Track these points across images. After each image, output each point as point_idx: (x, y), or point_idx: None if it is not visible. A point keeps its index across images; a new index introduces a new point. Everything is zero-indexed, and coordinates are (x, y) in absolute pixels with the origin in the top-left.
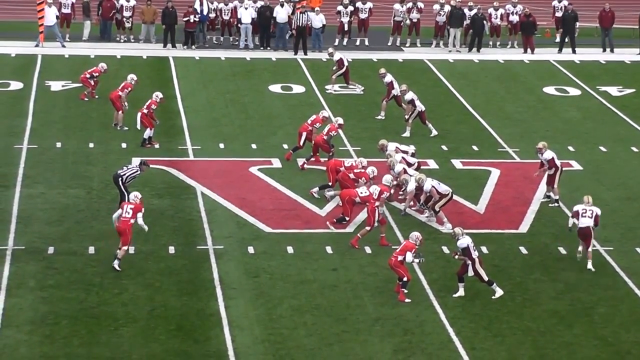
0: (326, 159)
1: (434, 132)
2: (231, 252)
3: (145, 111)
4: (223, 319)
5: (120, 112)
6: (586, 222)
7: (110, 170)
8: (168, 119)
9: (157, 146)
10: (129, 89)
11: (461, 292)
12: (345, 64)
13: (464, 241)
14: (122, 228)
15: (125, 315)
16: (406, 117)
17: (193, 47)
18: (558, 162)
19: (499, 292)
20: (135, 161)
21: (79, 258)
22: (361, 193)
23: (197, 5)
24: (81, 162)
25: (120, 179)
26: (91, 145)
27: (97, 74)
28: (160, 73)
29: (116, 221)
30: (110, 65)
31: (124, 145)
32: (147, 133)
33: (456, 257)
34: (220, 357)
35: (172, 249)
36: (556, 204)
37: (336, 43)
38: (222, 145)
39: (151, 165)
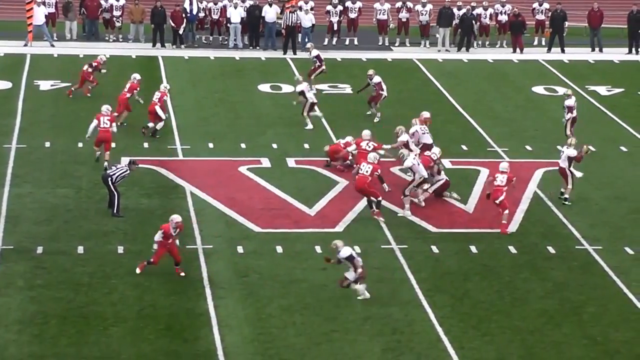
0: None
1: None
2: (220, 252)
3: (158, 103)
4: (212, 319)
5: (126, 112)
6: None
7: (99, 169)
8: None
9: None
10: (137, 89)
11: (366, 294)
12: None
13: (346, 251)
14: (106, 136)
15: (114, 314)
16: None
17: (182, 46)
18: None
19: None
20: (125, 160)
21: (68, 258)
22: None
23: (186, 5)
24: (70, 162)
25: (109, 179)
26: (80, 144)
27: (96, 65)
28: (150, 72)
29: (91, 132)
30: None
31: (113, 144)
32: (160, 125)
33: (332, 261)
34: (209, 356)
35: None
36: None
37: (325, 42)
38: (211, 145)
39: (140, 165)
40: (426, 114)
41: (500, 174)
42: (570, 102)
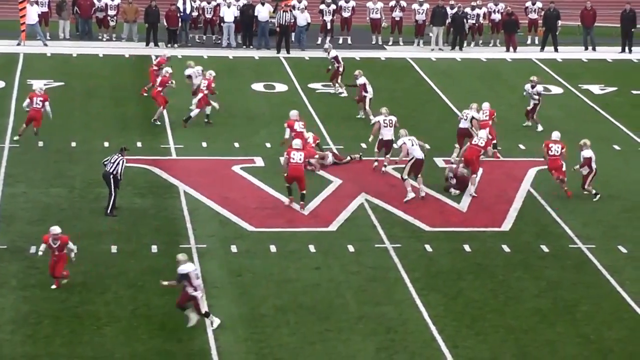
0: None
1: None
2: (214, 251)
3: (207, 92)
4: (206, 318)
5: (161, 107)
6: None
7: (93, 169)
8: (150, 117)
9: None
10: (168, 82)
11: (193, 321)
12: (341, 62)
13: (186, 267)
14: (37, 115)
15: (107, 314)
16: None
17: (176, 45)
18: (593, 165)
19: (217, 321)
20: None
21: None
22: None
23: (179, 4)
24: (63, 161)
25: (111, 176)
26: (73, 144)
27: (162, 64)
28: (144, 72)
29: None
30: (93, 64)
31: (106, 144)
32: (196, 113)
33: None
34: (203, 356)
35: (154, 248)
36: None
37: (319, 42)
38: (204, 144)
39: (134, 165)
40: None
41: (553, 143)
42: (540, 89)
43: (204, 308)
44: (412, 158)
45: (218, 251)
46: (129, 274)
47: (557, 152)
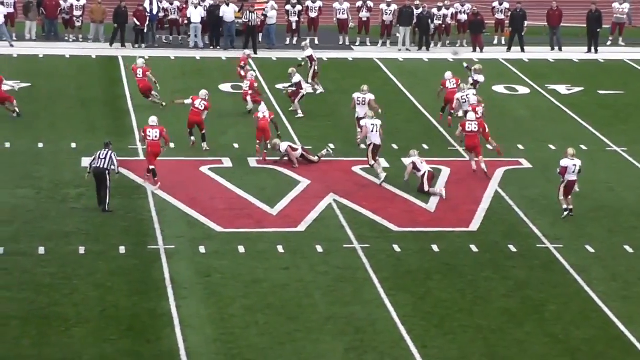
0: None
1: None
2: (182, 252)
3: (250, 91)
4: (174, 319)
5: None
6: (574, 177)
7: (59, 170)
8: (117, 118)
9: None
10: (255, 85)
11: None
12: (316, 60)
13: None
14: None
15: (76, 315)
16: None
17: (142, 46)
18: (568, 176)
19: None
20: (86, 160)
21: (29, 258)
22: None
23: (147, 4)
24: (30, 162)
25: (106, 172)
26: (40, 145)
27: (244, 63)
28: (110, 73)
29: None
30: (59, 65)
31: (73, 145)
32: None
33: None
34: (172, 357)
35: (122, 249)
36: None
37: (287, 42)
38: (172, 145)
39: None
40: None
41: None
42: (481, 78)
43: None
44: (371, 144)
45: (186, 252)
46: (97, 275)
47: (475, 128)
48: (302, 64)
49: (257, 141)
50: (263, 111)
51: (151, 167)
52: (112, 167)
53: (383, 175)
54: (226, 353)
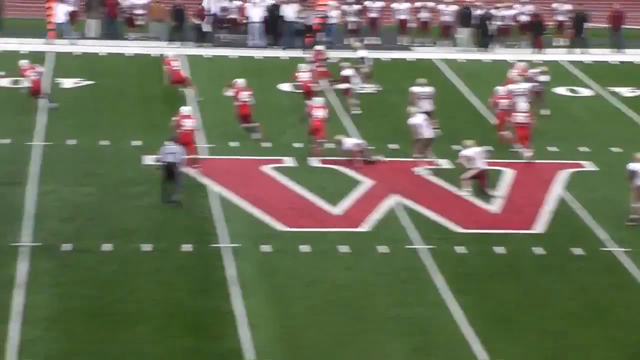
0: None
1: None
2: (245, 251)
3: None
4: (238, 317)
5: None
6: None
7: (122, 167)
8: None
9: None
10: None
11: None
12: (370, 61)
13: None
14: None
15: (140, 313)
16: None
17: (203, 45)
18: (637, 180)
19: None
20: (148, 158)
21: (92, 256)
22: None
23: (205, 3)
24: (93, 160)
25: (176, 164)
26: (103, 142)
27: (323, 57)
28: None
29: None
30: (120, 63)
31: (135, 142)
32: None
33: None
34: (235, 355)
35: (185, 247)
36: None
37: (346, 42)
38: (234, 144)
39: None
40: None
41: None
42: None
43: None
44: (421, 137)
45: (249, 251)
46: (160, 273)
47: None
48: (358, 65)
49: (318, 139)
50: (317, 107)
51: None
52: (178, 161)
53: (421, 169)
54: (289, 352)
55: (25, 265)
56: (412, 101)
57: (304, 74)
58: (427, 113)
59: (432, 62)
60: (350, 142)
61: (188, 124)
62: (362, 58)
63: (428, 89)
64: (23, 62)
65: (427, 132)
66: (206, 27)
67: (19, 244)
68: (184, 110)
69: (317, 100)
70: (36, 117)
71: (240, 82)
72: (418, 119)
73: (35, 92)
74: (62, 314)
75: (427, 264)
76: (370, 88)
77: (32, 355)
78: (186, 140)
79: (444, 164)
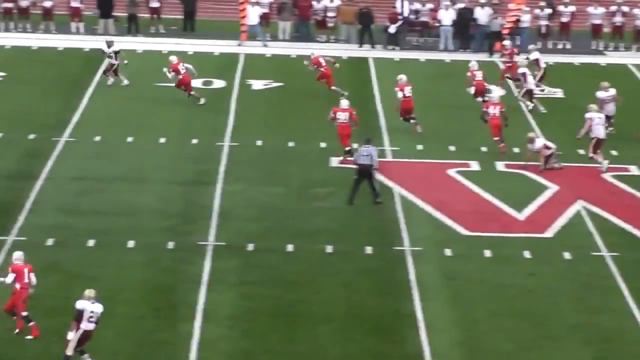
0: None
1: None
2: (428, 254)
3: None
4: (419, 321)
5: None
6: None
7: (309, 168)
8: (366, 119)
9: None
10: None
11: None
12: (542, 65)
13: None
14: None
15: (322, 313)
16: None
17: (391, 48)
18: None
19: None
20: (334, 160)
21: (277, 256)
22: None
23: (397, 6)
24: (280, 161)
25: (371, 168)
26: (290, 144)
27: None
28: (360, 73)
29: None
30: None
31: (322, 144)
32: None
33: None
34: (416, 358)
35: (369, 249)
36: None
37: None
38: (420, 147)
39: (345, 166)
40: None
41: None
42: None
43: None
44: (595, 137)
45: (432, 254)
46: (343, 274)
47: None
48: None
49: (495, 137)
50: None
51: (347, 148)
52: (374, 163)
53: (605, 163)
54: (471, 357)
55: (211, 264)
56: (599, 106)
57: (477, 73)
58: (608, 117)
59: (626, 67)
60: (541, 142)
61: (342, 117)
62: (535, 59)
63: (612, 92)
64: (173, 58)
65: (601, 132)
66: (392, 30)
67: (206, 242)
68: (343, 104)
69: (493, 97)
70: (227, 118)
71: (403, 78)
72: (593, 115)
73: (187, 86)
74: (245, 312)
75: (613, 272)
76: (550, 91)
77: (214, 352)
78: (342, 133)
79: (634, 170)
